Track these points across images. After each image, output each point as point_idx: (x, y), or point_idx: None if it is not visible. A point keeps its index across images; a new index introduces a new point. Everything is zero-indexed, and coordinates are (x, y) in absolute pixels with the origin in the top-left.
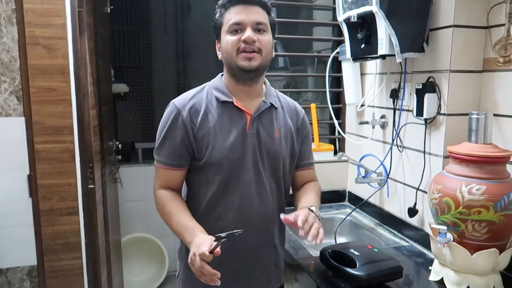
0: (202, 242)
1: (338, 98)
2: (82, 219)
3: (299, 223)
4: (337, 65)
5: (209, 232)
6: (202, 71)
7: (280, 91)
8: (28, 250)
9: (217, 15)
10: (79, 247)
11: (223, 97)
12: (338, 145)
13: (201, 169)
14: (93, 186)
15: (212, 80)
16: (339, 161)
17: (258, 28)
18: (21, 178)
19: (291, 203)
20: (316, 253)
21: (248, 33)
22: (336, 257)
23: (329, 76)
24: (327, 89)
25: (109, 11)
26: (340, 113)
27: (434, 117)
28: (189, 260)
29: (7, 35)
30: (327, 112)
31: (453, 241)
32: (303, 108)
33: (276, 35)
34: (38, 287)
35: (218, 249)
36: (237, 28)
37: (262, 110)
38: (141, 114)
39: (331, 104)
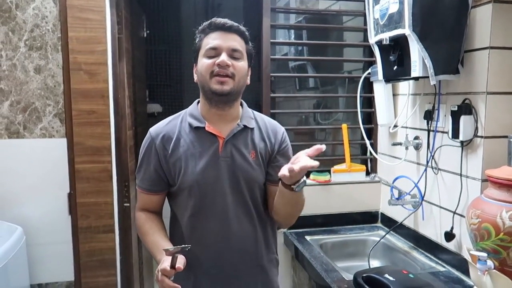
0: (166, 259)
1: (369, 118)
2: (118, 237)
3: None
4: (368, 85)
5: (191, 255)
6: None
7: (310, 112)
8: (66, 266)
9: (197, 39)
10: (114, 264)
11: (195, 123)
12: (370, 165)
13: (176, 194)
14: (128, 204)
15: (189, 107)
16: (371, 182)
17: (233, 55)
18: (61, 197)
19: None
20: (349, 276)
21: (223, 57)
22: (370, 282)
23: (360, 96)
24: (359, 110)
25: (145, 35)
26: (372, 133)
27: (471, 140)
28: (155, 277)
29: (53, 61)
30: (359, 133)
31: (494, 268)
32: (334, 128)
33: (307, 57)
34: None
35: (180, 264)
36: (213, 54)
37: (235, 132)
38: None
39: (363, 124)
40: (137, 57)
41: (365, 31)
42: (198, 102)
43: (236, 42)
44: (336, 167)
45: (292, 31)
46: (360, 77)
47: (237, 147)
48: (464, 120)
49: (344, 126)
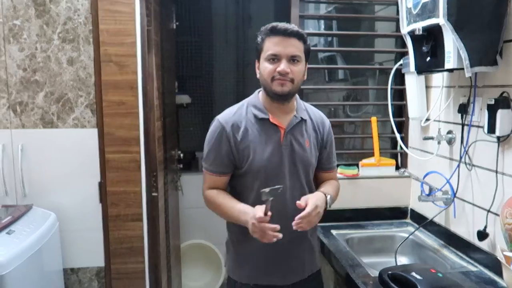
0: (258, 209)
1: (400, 111)
2: (146, 225)
3: (306, 210)
4: (400, 77)
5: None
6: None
7: (339, 104)
8: (96, 252)
9: (259, 39)
10: (142, 251)
11: (260, 115)
12: (400, 160)
13: (242, 176)
14: (156, 194)
15: (250, 97)
16: (401, 176)
17: (292, 59)
18: (93, 185)
19: None
20: (375, 273)
21: (283, 66)
22: (396, 280)
23: (391, 88)
24: (389, 102)
25: (174, 27)
26: (402, 127)
27: (508, 135)
28: (250, 231)
29: (84, 53)
30: (389, 126)
31: None
32: (364, 120)
33: (337, 47)
34: None
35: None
36: (274, 58)
37: (294, 124)
38: (202, 124)
39: (393, 117)
40: (166, 49)
41: (397, 20)
42: (259, 92)
43: (295, 47)
44: (364, 161)
45: (322, 21)
46: (392, 68)
47: (295, 136)
48: (501, 114)
49: (374, 119)
